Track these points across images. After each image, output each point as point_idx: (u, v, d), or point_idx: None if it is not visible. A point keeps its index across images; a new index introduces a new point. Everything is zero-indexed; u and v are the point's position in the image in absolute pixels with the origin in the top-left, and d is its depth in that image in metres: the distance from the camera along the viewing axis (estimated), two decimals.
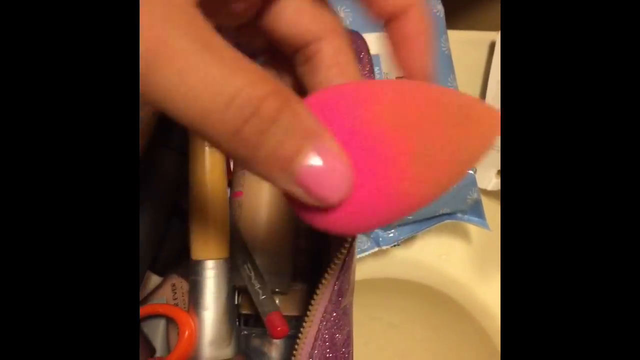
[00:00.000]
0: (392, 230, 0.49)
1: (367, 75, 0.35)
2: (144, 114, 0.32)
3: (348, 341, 0.34)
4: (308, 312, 0.32)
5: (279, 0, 0.20)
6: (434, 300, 0.56)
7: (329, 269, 0.32)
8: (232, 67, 0.15)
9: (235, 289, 0.35)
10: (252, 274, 0.33)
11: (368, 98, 0.18)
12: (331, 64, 0.21)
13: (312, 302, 0.32)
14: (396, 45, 0.21)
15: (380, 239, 0.48)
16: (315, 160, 0.16)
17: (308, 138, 0.16)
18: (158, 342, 0.34)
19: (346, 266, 0.32)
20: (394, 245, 0.49)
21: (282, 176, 0.16)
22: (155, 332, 0.35)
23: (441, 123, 0.18)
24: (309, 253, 0.40)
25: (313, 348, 0.32)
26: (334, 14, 0.22)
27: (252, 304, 0.36)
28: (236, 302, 0.37)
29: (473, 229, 0.55)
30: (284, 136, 0.15)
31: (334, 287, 0.32)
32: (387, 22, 0.21)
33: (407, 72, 0.21)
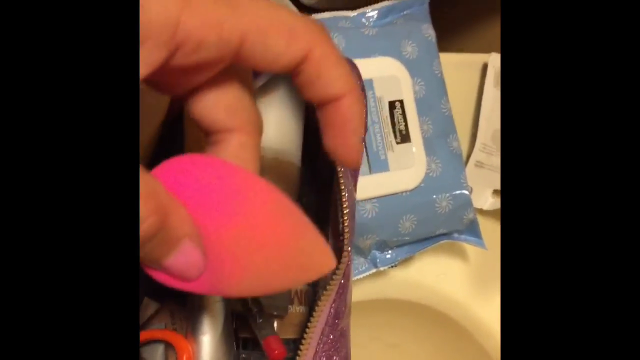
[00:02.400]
0: (390, 251, 0.50)
1: None
2: (143, 137, 0.33)
3: None
4: (305, 335, 0.32)
5: (202, 88, 0.22)
6: (433, 320, 0.56)
7: (324, 291, 0.32)
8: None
9: (232, 313, 0.35)
10: (250, 299, 0.34)
11: (237, 206, 0.21)
12: (231, 156, 0.23)
13: (309, 324, 0.32)
14: (326, 129, 0.23)
15: (378, 260, 0.49)
16: (178, 258, 0.20)
17: (176, 245, 0.20)
18: None
19: (342, 288, 0.33)
20: (392, 266, 0.50)
21: (153, 265, 0.21)
22: (154, 357, 0.35)
23: (280, 261, 0.22)
24: None
25: None
26: (253, 107, 0.23)
27: (250, 327, 0.37)
28: (234, 326, 0.37)
29: (470, 248, 0.56)
30: (156, 247, 0.19)
31: (330, 310, 0.33)
32: (320, 106, 0.23)
33: (334, 155, 0.23)
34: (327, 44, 0.21)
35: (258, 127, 0.24)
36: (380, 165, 0.46)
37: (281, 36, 0.20)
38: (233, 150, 0.23)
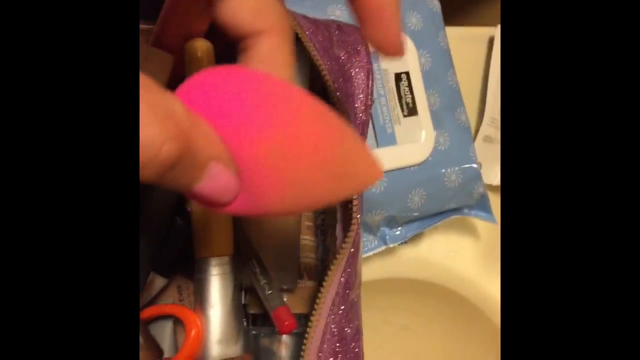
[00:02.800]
0: (399, 228, 0.49)
1: (365, 66, 0.35)
2: None
3: (357, 336, 0.34)
4: (315, 306, 0.31)
5: None
6: (445, 299, 0.56)
7: (334, 260, 0.31)
8: (149, 110, 0.16)
9: (242, 288, 0.35)
10: (258, 270, 0.33)
11: (271, 117, 0.19)
12: (263, 60, 0.22)
13: (319, 294, 0.31)
14: (363, 21, 0.21)
15: (387, 237, 0.48)
16: (208, 182, 0.18)
17: (204, 169, 0.18)
18: (166, 343, 0.34)
19: (352, 257, 0.32)
20: (402, 243, 0.49)
21: (182, 191, 0.19)
22: (163, 333, 0.34)
23: (324, 170, 0.20)
24: (316, 249, 0.40)
25: (322, 342, 0.31)
26: (282, 10, 0.22)
27: (259, 303, 0.36)
28: (243, 302, 0.36)
29: (480, 224, 0.55)
30: (182, 173, 0.17)
31: (340, 280, 0.32)
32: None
33: (376, 46, 0.22)
34: None
35: (288, 29, 0.22)
36: (387, 139, 0.45)
37: None
38: (264, 54, 0.21)
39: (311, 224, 0.40)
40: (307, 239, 0.39)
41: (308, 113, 0.20)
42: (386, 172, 0.45)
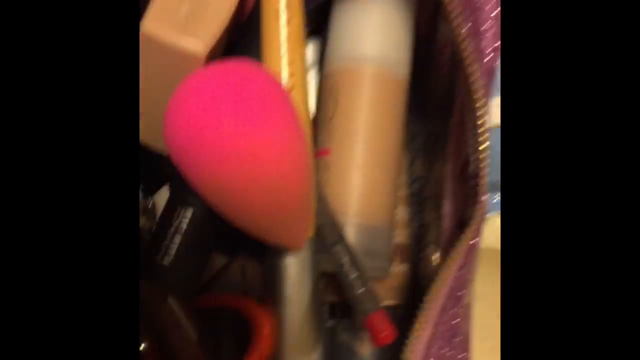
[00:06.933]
0: (498, 194, 0.41)
1: None
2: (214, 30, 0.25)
3: (466, 346, 0.27)
4: (422, 311, 0.24)
5: None
6: None
7: (448, 258, 0.24)
8: None
9: (323, 276, 0.28)
10: (346, 259, 0.25)
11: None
12: None
13: (426, 299, 0.24)
14: None
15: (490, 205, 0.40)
16: None
17: None
18: (225, 340, 0.28)
19: (471, 251, 0.24)
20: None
21: None
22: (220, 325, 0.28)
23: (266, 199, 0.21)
24: (408, 224, 0.32)
25: (426, 357, 0.24)
26: None
27: (338, 288, 0.29)
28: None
29: None
30: None
31: (451, 283, 0.24)
32: None
33: None
34: None
35: None
36: None
37: None
38: None
39: (404, 192, 0.32)
40: (399, 210, 0.31)
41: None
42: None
